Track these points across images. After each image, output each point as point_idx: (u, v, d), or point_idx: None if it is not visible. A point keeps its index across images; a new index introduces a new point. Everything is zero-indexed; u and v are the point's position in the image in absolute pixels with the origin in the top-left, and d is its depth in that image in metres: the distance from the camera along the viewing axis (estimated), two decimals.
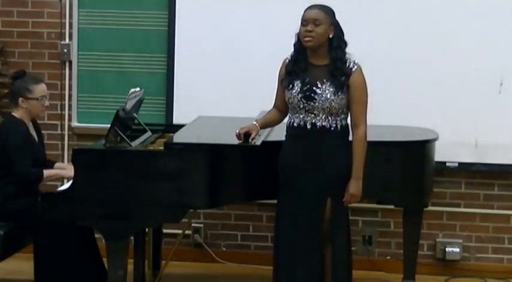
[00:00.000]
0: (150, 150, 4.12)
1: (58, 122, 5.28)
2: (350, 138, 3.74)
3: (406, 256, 4.52)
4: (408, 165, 4.28)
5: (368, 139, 3.72)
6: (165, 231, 4.86)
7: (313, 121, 3.69)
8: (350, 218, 3.91)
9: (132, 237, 4.12)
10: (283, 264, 3.79)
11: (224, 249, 5.28)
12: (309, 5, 3.71)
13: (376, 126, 4.08)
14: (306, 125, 3.70)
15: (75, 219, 3.82)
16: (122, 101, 4.16)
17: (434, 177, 4.54)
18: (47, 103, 4.33)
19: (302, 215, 3.72)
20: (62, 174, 4.38)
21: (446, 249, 5.10)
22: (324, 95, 3.65)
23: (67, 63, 5.24)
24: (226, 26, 5.02)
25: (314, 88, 3.67)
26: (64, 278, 4.18)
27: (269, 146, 3.86)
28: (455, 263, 5.13)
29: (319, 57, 3.70)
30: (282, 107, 3.86)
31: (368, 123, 3.73)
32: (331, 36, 3.67)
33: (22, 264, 4.61)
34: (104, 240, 3.85)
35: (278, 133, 3.97)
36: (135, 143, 4.06)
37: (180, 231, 4.74)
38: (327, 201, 3.71)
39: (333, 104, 3.65)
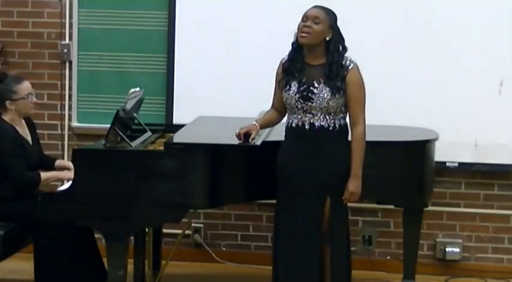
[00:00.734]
0: (150, 150, 4.12)
1: (58, 122, 5.28)
2: (349, 137, 3.74)
3: (406, 256, 4.52)
4: (408, 165, 4.28)
5: (368, 139, 3.72)
6: (165, 231, 4.85)
7: (312, 121, 3.69)
8: (350, 218, 3.92)
9: (132, 237, 4.11)
10: (283, 264, 3.79)
11: (224, 249, 5.28)
12: (311, 4, 3.72)
13: (376, 126, 4.08)
14: (305, 125, 3.71)
15: (75, 219, 3.82)
16: (121, 101, 4.16)
17: (434, 177, 4.54)
18: (34, 99, 4.30)
19: (301, 215, 3.72)
20: (60, 176, 4.35)
21: (446, 249, 5.10)
22: (321, 95, 3.65)
23: (67, 63, 5.23)
24: (226, 26, 5.01)
25: (311, 88, 3.67)
26: (64, 278, 4.18)
27: (269, 146, 3.86)
28: (455, 263, 5.13)
29: (316, 57, 3.70)
30: (280, 108, 3.86)
31: (368, 123, 3.73)
32: (328, 38, 3.66)
33: (22, 264, 4.61)
34: (104, 240, 3.85)
35: (278, 133, 3.97)
36: (135, 143, 4.06)
37: (180, 231, 4.75)
38: (326, 200, 3.72)
39: (330, 103, 3.65)
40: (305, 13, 3.68)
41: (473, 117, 4.91)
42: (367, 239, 5.15)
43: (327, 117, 3.69)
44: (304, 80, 3.69)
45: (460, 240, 5.13)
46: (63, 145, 5.28)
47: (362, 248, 5.13)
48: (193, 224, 5.18)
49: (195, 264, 5.18)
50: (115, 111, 3.93)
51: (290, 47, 3.76)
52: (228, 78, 5.02)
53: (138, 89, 4.26)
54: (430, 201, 4.49)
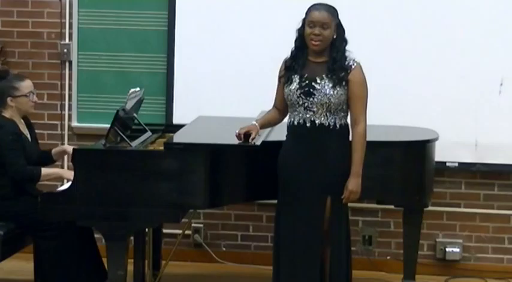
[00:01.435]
0: (150, 150, 4.12)
1: (58, 122, 5.28)
2: (350, 138, 3.74)
3: (406, 256, 4.52)
4: (408, 165, 4.28)
5: (368, 139, 3.72)
6: (165, 231, 4.85)
7: (312, 119, 3.69)
8: (350, 218, 3.92)
9: (132, 237, 4.11)
10: (283, 263, 3.79)
11: (224, 249, 5.28)
12: (313, 3, 3.71)
13: (376, 126, 4.08)
14: (306, 123, 3.70)
15: (75, 219, 3.83)
16: (121, 101, 4.16)
17: (435, 177, 4.54)
18: (35, 98, 4.32)
19: (302, 214, 3.72)
20: (61, 173, 4.35)
21: (446, 249, 5.10)
22: (322, 91, 3.66)
23: (67, 63, 5.24)
24: (226, 26, 5.01)
25: (313, 84, 3.68)
26: (64, 278, 4.18)
27: (269, 146, 3.86)
28: (455, 263, 5.13)
29: (320, 55, 3.71)
30: (281, 107, 3.86)
31: (368, 123, 3.73)
32: (335, 36, 3.68)
33: (22, 264, 4.62)
34: (104, 240, 3.85)
35: (278, 133, 3.97)
36: (135, 143, 4.06)
37: (180, 231, 4.75)
38: (327, 200, 3.72)
39: (331, 99, 3.65)
40: (310, 17, 3.65)
41: (473, 117, 4.91)
42: (367, 239, 5.15)
43: (328, 115, 3.69)
44: (306, 76, 3.70)
45: (460, 240, 5.13)
46: (63, 145, 5.28)
47: (362, 248, 5.13)
48: (193, 224, 5.18)
49: (195, 264, 5.18)
50: (115, 111, 3.93)
51: (290, 47, 3.76)
52: (228, 78, 5.02)
53: (138, 89, 4.26)
54: (430, 201, 4.49)
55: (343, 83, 3.66)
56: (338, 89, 3.66)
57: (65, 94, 5.25)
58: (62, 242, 4.15)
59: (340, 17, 3.72)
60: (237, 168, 3.94)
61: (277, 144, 3.83)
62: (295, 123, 3.74)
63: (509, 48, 4.89)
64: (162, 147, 3.92)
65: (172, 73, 5.07)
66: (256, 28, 4.98)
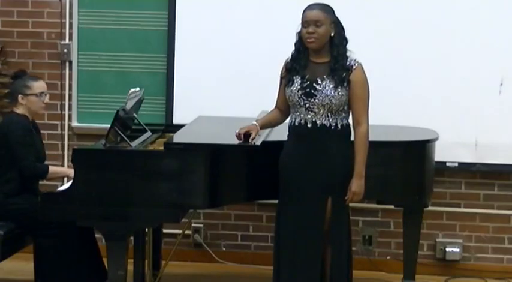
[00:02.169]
0: (150, 150, 4.12)
1: (58, 122, 5.28)
2: (351, 138, 3.74)
3: (406, 256, 4.52)
4: (408, 165, 4.28)
5: (369, 139, 3.72)
6: (165, 231, 4.85)
7: (314, 119, 3.69)
8: (350, 218, 3.91)
9: (132, 237, 4.11)
10: (284, 264, 3.79)
11: (224, 249, 5.28)
12: (309, 4, 3.71)
13: (376, 126, 4.07)
14: (307, 124, 3.70)
15: (75, 219, 3.82)
16: (121, 101, 4.16)
17: (434, 177, 4.54)
18: (46, 99, 4.36)
19: (303, 215, 3.72)
20: (68, 172, 4.36)
21: (446, 249, 5.10)
22: (324, 91, 3.65)
23: (67, 63, 5.24)
24: (226, 26, 5.01)
25: (314, 84, 3.67)
26: (64, 278, 4.19)
27: (269, 146, 3.86)
28: (455, 263, 5.13)
29: (321, 55, 3.71)
30: (283, 107, 3.86)
31: (369, 123, 3.73)
32: (332, 34, 3.68)
33: (22, 264, 4.62)
34: (104, 240, 3.85)
35: (278, 133, 3.97)
36: (135, 143, 4.06)
37: (180, 231, 4.75)
38: (328, 200, 3.71)
39: (333, 100, 3.65)
40: (304, 17, 3.67)
41: (473, 117, 4.91)
42: (367, 239, 5.15)
43: (329, 115, 3.69)
44: (307, 77, 3.70)
45: (460, 240, 5.13)
46: (63, 145, 5.28)
47: (362, 248, 5.13)
48: (193, 224, 5.18)
49: (195, 264, 5.18)
50: (115, 111, 3.93)
51: (291, 47, 3.76)
52: (228, 78, 5.02)
53: (138, 89, 4.26)
54: (430, 201, 4.49)
55: (345, 84, 3.66)
56: (339, 89, 3.66)
57: (65, 94, 5.25)
58: (62, 241, 4.15)
59: (340, 17, 3.72)
60: (237, 168, 3.94)
61: (278, 144, 3.83)
62: (297, 123, 3.74)
63: (509, 48, 4.89)
64: (162, 147, 3.92)
65: (173, 73, 5.08)
66: (257, 28, 4.98)
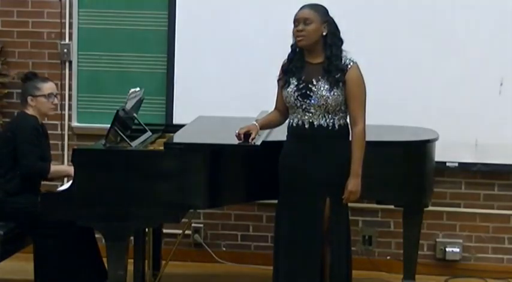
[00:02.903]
0: (150, 150, 4.12)
1: (58, 122, 5.28)
2: (349, 138, 3.74)
3: (406, 256, 4.52)
4: (408, 165, 4.28)
5: (368, 139, 3.72)
6: (165, 231, 4.85)
7: (311, 120, 3.70)
8: (350, 218, 3.91)
9: (132, 237, 4.11)
10: (283, 263, 3.79)
11: (224, 249, 5.28)
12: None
13: (377, 126, 4.08)
14: (304, 125, 3.71)
15: (75, 219, 3.82)
16: (121, 101, 4.16)
17: (435, 177, 4.55)
18: (55, 101, 4.38)
19: (302, 214, 3.72)
20: (70, 171, 4.35)
21: (446, 249, 5.10)
22: (319, 92, 3.66)
23: (67, 63, 5.24)
24: (226, 26, 5.02)
25: (309, 86, 3.68)
26: (64, 278, 4.19)
27: (269, 146, 3.86)
28: (455, 263, 5.13)
29: (315, 56, 3.71)
30: (282, 109, 3.86)
31: (368, 123, 3.72)
32: (324, 33, 3.67)
33: (22, 264, 4.62)
34: (104, 240, 3.85)
35: (278, 133, 3.97)
36: (135, 143, 4.06)
37: (180, 231, 4.74)
38: (327, 200, 3.72)
39: (328, 101, 3.65)
40: (295, 16, 3.69)
41: (473, 117, 4.91)
42: (367, 239, 5.16)
43: (326, 116, 3.69)
44: (303, 78, 3.70)
45: (460, 240, 5.13)
46: (63, 145, 5.28)
47: (362, 248, 5.13)
48: (193, 224, 5.18)
49: (195, 264, 5.18)
50: (115, 111, 3.93)
51: (290, 47, 3.76)
52: (228, 78, 5.02)
53: (138, 89, 4.26)
54: (430, 201, 4.49)
55: (340, 84, 3.66)
56: (335, 90, 3.66)
57: (65, 94, 5.25)
58: (62, 241, 4.15)
59: (340, 17, 3.72)
60: (237, 168, 3.94)
61: (277, 144, 3.83)
62: (295, 124, 3.74)
63: (509, 48, 4.89)
64: (162, 147, 3.92)
65: (173, 73, 5.08)
66: (257, 28, 4.98)
